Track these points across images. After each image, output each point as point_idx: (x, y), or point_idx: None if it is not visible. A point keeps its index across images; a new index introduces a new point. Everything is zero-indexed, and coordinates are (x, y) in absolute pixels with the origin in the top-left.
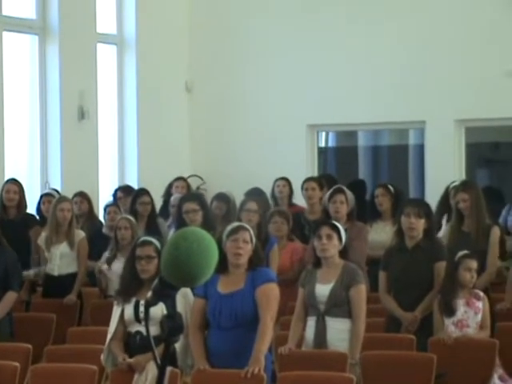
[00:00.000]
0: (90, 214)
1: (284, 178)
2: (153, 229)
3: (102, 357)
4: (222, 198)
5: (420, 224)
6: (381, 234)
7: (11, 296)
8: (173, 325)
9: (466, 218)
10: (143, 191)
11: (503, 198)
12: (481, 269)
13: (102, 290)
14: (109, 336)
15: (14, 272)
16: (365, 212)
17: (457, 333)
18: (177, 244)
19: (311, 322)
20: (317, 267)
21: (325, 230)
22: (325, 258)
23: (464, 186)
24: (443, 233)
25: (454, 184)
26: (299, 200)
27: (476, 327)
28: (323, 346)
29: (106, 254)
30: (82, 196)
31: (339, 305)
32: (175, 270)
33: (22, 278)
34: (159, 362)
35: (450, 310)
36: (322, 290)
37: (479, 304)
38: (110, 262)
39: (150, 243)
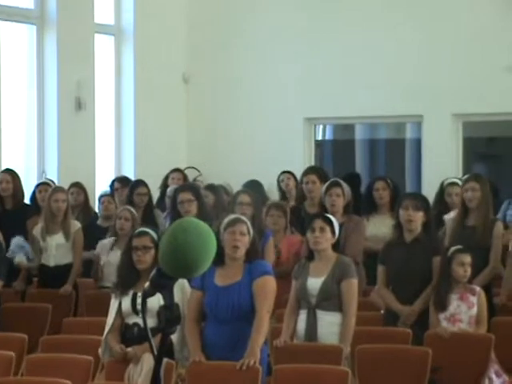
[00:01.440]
0: (86, 205)
1: (287, 172)
2: (149, 220)
3: (100, 350)
4: (209, 187)
5: (418, 217)
6: (380, 227)
7: None
8: (170, 316)
9: (471, 211)
10: (140, 182)
11: (498, 193)
12: (486, 264)
13: (96, 279)
14: (106, 329)
15: (0, 260)
16: (359, 205)
17: (449, 327)
18: (175, 235)
19: (302, 316)
20: (310, 260)
21: (318, 223)
22: (317, 250)
23: (476, 176)
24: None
25: (449, 180)
26: None
27: (469, 321)
28: (314, 340)
29: (104, 242)
30: (78, 187)
31: (330, 298)
32: (173, 260)
33: (12, 266)
34: (156, 353)
35: (442, 305)
36: (314, 283)
37: (473, 299)
38: (111, 248)
39: (146, 234)
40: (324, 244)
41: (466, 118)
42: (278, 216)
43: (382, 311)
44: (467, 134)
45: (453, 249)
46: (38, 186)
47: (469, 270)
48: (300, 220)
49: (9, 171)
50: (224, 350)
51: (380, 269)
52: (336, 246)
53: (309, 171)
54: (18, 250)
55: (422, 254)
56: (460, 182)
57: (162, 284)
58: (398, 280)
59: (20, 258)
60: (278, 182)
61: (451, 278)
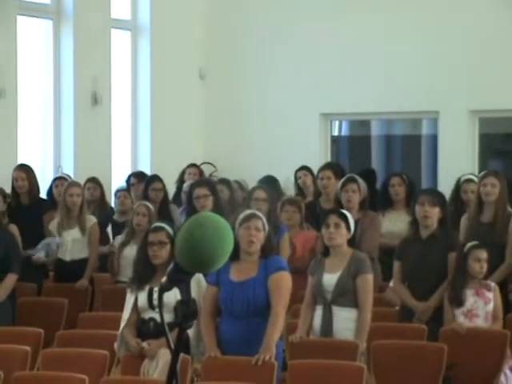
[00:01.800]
0: (102, 200)
1: (304, 168)
2: (165, 215)
3: (116, 345)
4: (223, 181)
5: (434, 213)
6: (396, 223)
7: (11, 278)
8: (187, 310)
9: (486, 207)
10: (155, 177)
11: None
12: (502, 260)
13: (113, 274)
14: (122, 324)
15: (14, 254)
16: (375, 201)
17: (466, 323)
18: (192, 230)
19: (318, 311)
20: (325, 256)
21: (332, 219)
22: (332, 246)
23: (495, 172)
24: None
25: (465, 177)
26: None
27: (486, 317)
28: (329, 335)
29: (120, 238)
30: (95, 182)
31: (346, 294)
32: (190, 255)
33: (32, 262)
34: (173, 347)
35: (458, 301)
36: (329, 279)
37: (489, 294)
38: (123, 246)
39: (162, 229)
40: (339, 240)
41: (483, 114)
42: (293, 211)
43: (397, 308)
44: (484, 130)
45: (469, 245)
46: (54, 180)
47: (485, 266)
48: (315, 216)
49: (22, 167)
50: (239, 346)
51: (396, 265)
52: (351, 242)
53: (324, 167)
54: (43, 247)
55: (438, 250)
56: (476, 179)
57: (179, 279)
58: (413, 276)
59: (40, 255)
60: (296, 178)
61: (467, 273)
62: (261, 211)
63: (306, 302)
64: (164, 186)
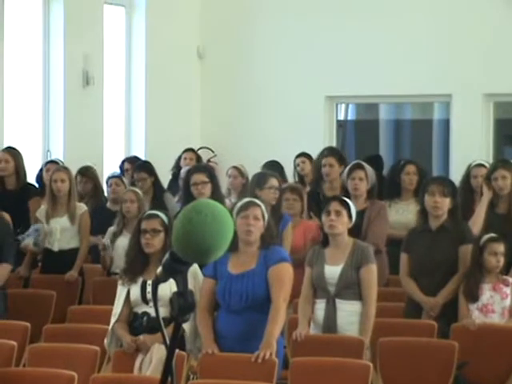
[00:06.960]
0: (95, 193)
1: (304, 154)
2: (159, 205)
3: (106, 341)
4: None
5: (445, 203)
6: (404, 213)
7: (5, 269)
8: (184, 303)
9: (501, 198)
10: (139, 166)
11: None
12: None
13: (105, 268)
14: (113, 319)
15: (8, 244)
16: (382, 190)
17: (481, 318)
18: (189, 217)
19: (321, 305)
20: (325, 246)
21: (334, 206)
22: (333, 235)
23: (503, 163)
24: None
25: (476, 163)
26: None
27: (502, 313)
28: (333, 330)
29: (112, 229)
30: (86, 176)
31: (350, 287)
32: (188, 244)
33: (20, 249)
34: (168, 342)
35: (473, 296)
36: (332, 271)
37: (507, 290)
38: (116, 236)
39: (156, 216)
40: (340, 228)
41: (498, 98)
42: (294, 200)
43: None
44: (499, 115)
45: (485, 237)
46: (46, 164)
47: (502, 260)
48: (319, 205)
49: (8, 149)
50: (238, 342)
51: (403, 257)
52: (355, 232)
53: (327, 153)
54: (32, 233)
55: (449, 243)
56: (487, 164)
57: (176, 269)
58: (421, 269)
59: (28, 242)
60: (295, 165)
61: (483, 267)
62: (275, 200)
63: (304, 294)
64: (152, 174)
